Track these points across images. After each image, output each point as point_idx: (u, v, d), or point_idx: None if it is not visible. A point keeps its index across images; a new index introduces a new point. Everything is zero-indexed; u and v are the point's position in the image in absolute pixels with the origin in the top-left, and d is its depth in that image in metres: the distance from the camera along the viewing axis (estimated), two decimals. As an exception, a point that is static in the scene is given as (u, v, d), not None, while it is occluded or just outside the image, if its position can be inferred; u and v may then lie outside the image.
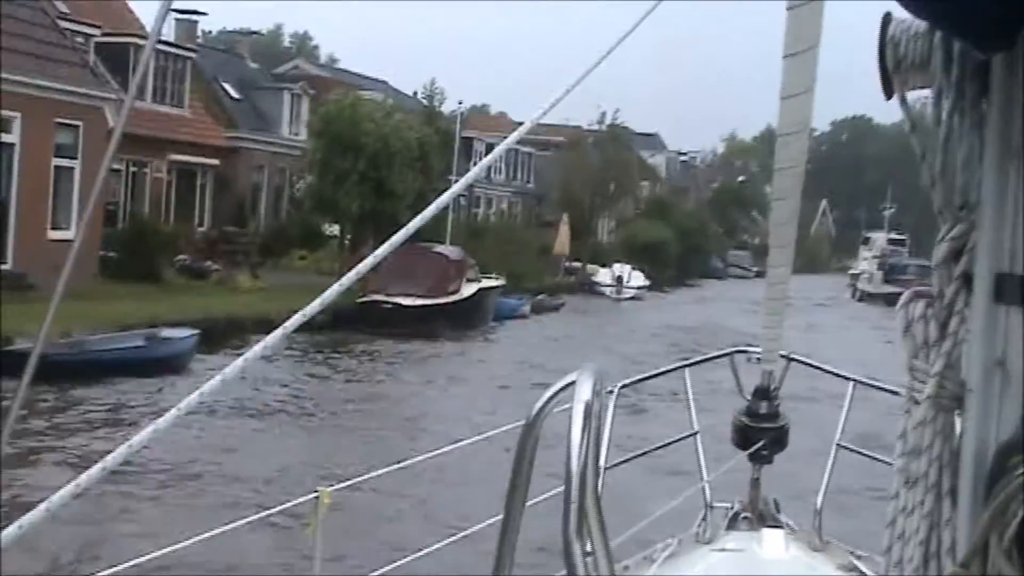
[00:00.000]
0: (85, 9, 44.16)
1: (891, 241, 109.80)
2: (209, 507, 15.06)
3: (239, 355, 2.90)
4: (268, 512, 5.89)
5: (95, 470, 2.66)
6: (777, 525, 5.87)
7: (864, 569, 5.45)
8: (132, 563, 4.50)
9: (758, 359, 5.91)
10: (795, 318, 62.36)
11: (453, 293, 37.56)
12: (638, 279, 66.76)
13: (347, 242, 46.76)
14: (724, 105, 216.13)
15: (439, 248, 39.73)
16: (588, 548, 1.87)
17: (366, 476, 6.78)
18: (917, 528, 1.96)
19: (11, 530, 2.49)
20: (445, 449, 7.35)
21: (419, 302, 35.90)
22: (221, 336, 29.29)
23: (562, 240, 67.04)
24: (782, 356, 5.95)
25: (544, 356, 32.41)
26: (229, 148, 49.47)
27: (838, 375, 6.58)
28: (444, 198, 3.44)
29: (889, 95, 2.12)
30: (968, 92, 1.94)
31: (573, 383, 1.98)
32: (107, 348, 24.16)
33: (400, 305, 35.20)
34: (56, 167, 31.85)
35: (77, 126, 32.24)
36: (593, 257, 71.68)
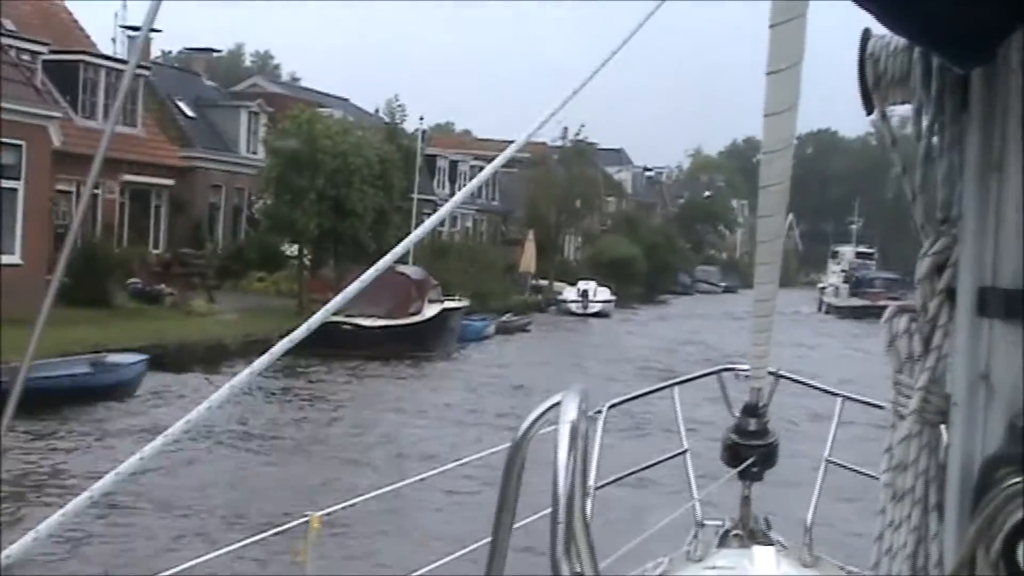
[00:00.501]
0: (32, 27, 42.83)
1: (859, 254, 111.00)
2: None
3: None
4: (257, 537, 5.60)
5: (82, 499, 2.66)
6: (768, 542, 5.84)
7: None
8: None
9: (746, 376, 5.89)
10: (704, 323, 62.46)
11: (415, 314, 36.24)
12: (604, 295, 65.76)
13: (306, 262, 45.56)
14: (688, 121, 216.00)
15: (401, 268, 38.52)
16: (577, 569, 1.85)
17: (354, 500, 6.69)
18: (904, 543, 2.00)
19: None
20: (431, 473, 7.36)
21: (379, 323, 34.57)
22: (172, 362, 28.03)
23: (528, 257, 66.01)
24: (770, 373, 5.93)
25: (507, 380, 31.32)
26: (184, 168, 48.08)
27: (826, 391, 6.67)
28: (440, 214, 3.49)
29: (870, 111, 2.17)
30: (948, 107, 1.98)
31: (559, 404, 1.99)
32: (48, 375, 22.74)
33: (359, 326, 33.89)
34: (-2, 188, 30.50)
35: (20, 145, 30.86)
36: (560, 274, 70.75)
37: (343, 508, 6.39)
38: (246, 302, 41.03)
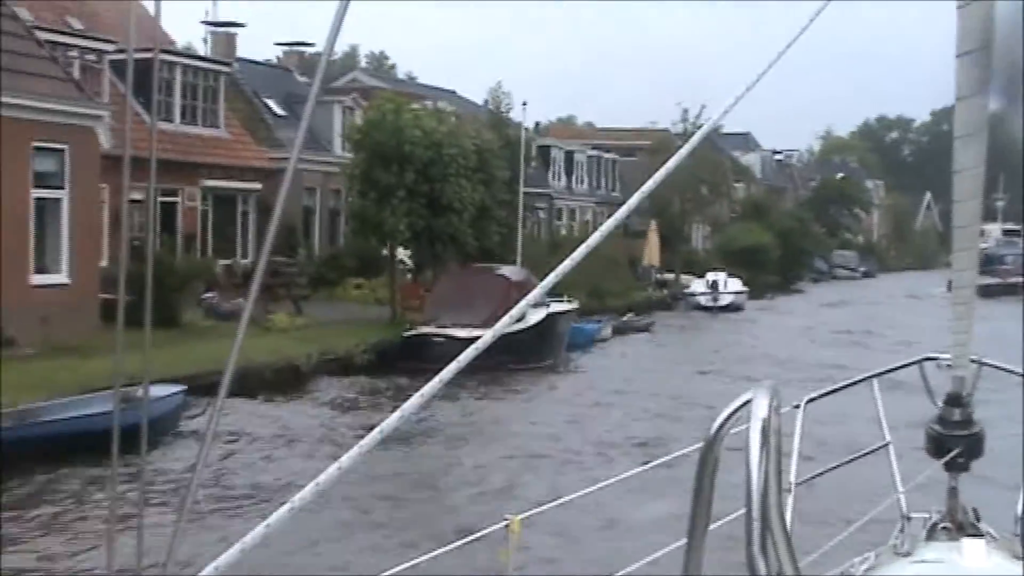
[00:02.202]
0: (104, 26, 39.58)
1: (1006, 232, 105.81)
2: None
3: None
4: (460, 543, 5.37)
5: (283, 510, 2.68)
6: (978, 534, 5.58)
7: None
8: None
9: (948, 365, 5.78)
10: (873, 310, 57.71)
11: (517, 321, 31.95)
12: (735, 286, 61.04)
13: (408, 266, 41.70)
14: (818, 103, 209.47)
15: (500, 269, 34.33)
16: (775, 567, 1.83)
17: (555, 502, 6.56)
18: None
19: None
20: (630, 473, 7.02)
21: (476, 333, 30.27)
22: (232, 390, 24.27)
23: (651, 250, 61.58)
24: (973, 361, 5.73)
25: (623, 393, 27.21)
26: (273, 170, 44.48)
27: None
28: (620, 214, 3.34)
29: None
30: None
31: (750, 401, 2.02)
32: (65, 417, 19.08)
33: (453, 338, 29.79)
34: (37, 199, 26.96)
35: (61, 150, 27.35)
36: (687, 266, 66.22)
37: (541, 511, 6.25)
38: (339, 313, 37.28)
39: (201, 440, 2.86)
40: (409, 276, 41.49)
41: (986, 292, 65.23)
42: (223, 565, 2.53)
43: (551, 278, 3.12)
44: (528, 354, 30.75)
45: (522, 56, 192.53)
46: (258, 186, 43.57)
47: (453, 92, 67.66)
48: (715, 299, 58.81)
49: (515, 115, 48.61)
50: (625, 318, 45.05)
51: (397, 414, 2.77)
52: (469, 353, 2.89)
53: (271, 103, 48.13)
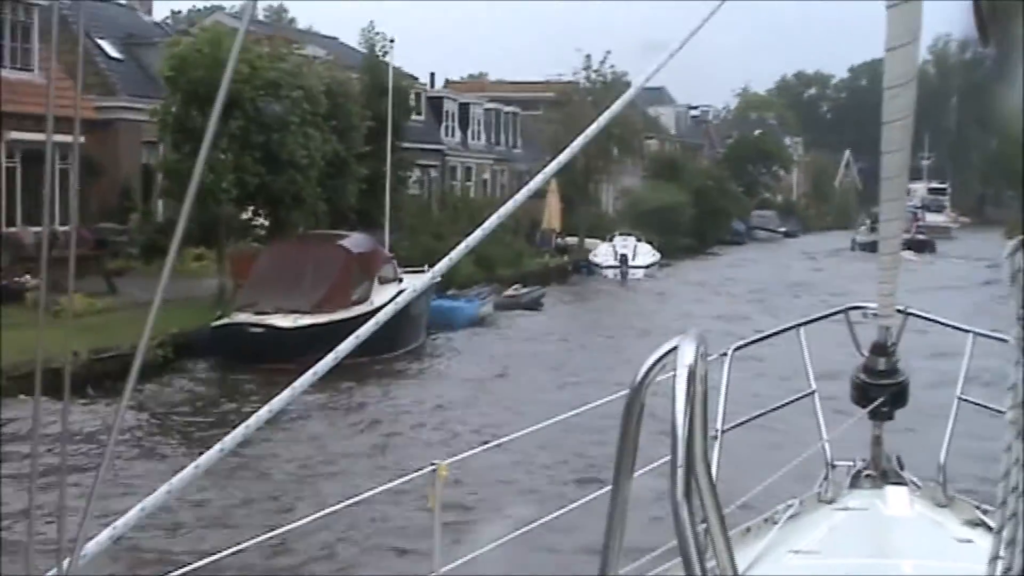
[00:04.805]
0: None
1: (931, 190, 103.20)
2: None
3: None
4: (385, 487, 5.94)
5: (160, 493, 2.71)
6: (901, 482, 5.81)
7: (992, 523, 4.71)
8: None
9: (874, 314, 5.88)
10: (783, 271, 53.98)
11: (359, 302, 25.39)
12: (646, 254, 55.25)
13: (256, 233, 35.16)
14: (734, 57, 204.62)
15: (341, 240, 27.70)
16: (699, 513, 1.88)
17: (480, 448, 7.23)
18: None
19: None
20: (547, 423, 6.87)
21: (305, 321, 23.89)
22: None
23: (551, 212, 55.68)
24: (899, 311, 5.90)
25: (470, 406, 21.19)
26: (101, 120, 37.82)
27: (956, 328, 6.46)
28: (539, 179, 3.17)
29: (986, 43, 2.06)
30: None
31: (675, 349, 2.01)
32: None
33: (275, 327, 23.59)
34: None
35: None
36: (593, 229, 60.23)
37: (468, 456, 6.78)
38: (167, 290, 30.70)
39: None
40: (256, 245, 34.92)
41: (873, 248, 69.71)
42: (91, 552, 2.51)
43: (459, 250, 3.09)
44: (374, 343, 24.26)
45: (433, 14, 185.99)
46: (81, 140, 36.85)
47: (335, 39, 60.94)
48: (623, 275, 53.05)
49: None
50: (509, 292, 38.61)
51: (254, 419, 2.81)
52: (329, 359, 2.97)
53: (105, 44, 41.37)
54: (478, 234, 3.04)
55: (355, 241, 27.65)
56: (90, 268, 30.82)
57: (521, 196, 3.22)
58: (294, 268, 25.26)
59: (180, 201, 30.94)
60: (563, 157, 3.36)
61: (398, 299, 3.44)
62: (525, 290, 39.50)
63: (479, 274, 38.80)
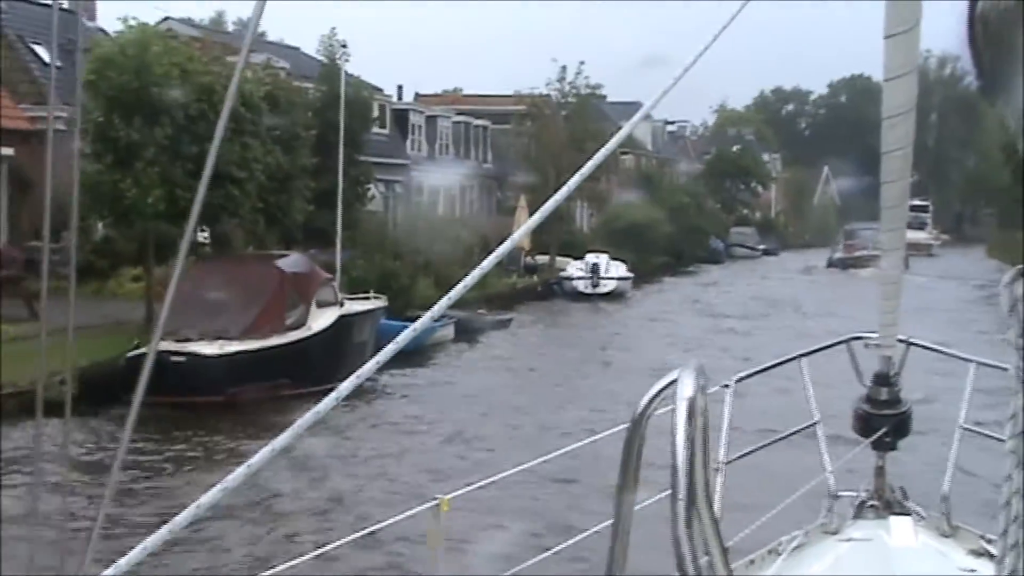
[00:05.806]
0: None
1: (913, 208, 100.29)
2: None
3: None
4: (386, 523, 5.82)
5: (187, 513, 2.68)
6: (905, 512, 5.78)
7: (996, 553, 4.15)
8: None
9: (876, 345, 5.84)
10: (758, 286, 52.05)
11: (294, 328, 22.88)
12: (618, 270, 52.90)
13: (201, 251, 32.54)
14: (707, 79, 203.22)
15: (276, 260, 25.03)
16: (701, 545, 1.84)
17: (484, 482, 6.62)
18: None
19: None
20: (554, 454, 6.85)
21: (232, 348, 21.43)
22: None
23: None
24: (900, 341, 5.86)
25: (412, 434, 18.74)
26: (34, 131, 35.24)
27: (958, 357, 6.43)
28: (550, 205, 3.03)
29: (981, 75, 2.19)
30: None
31: (675, 381, 1.97)
32: None
33: (199, 355, 21.04)
34: None
35: None
36: (565, 247, 57.73)
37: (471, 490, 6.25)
38: (97, 315, 28.17)
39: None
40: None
41: (843, 264, 72.38)
42: (125, 564, 2.53)
43: (458, 289, 2.97)
44: (311, 373, 21.60)
45: (405, 27, 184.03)
46: (9, 151, 34.29)
47: (296, 49, 58.46)
48: (595, 285, 50.80)
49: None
50: (468, 316, 35.82)
51: (267, 448, 2.69)
52: (370, 367, 2.79)
53: (39, 50, 38.82)
54: (476, 273, 2.92)
55: (290, 261, 25.04)
56: (18, 290, 28.29)
57: (525, 228, 3.45)
58: (221, 290, 22.74)
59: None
60: (573, 182, 3.33)
61: (416, 324, 2.94)
62: (490, 315, 36.90)
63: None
